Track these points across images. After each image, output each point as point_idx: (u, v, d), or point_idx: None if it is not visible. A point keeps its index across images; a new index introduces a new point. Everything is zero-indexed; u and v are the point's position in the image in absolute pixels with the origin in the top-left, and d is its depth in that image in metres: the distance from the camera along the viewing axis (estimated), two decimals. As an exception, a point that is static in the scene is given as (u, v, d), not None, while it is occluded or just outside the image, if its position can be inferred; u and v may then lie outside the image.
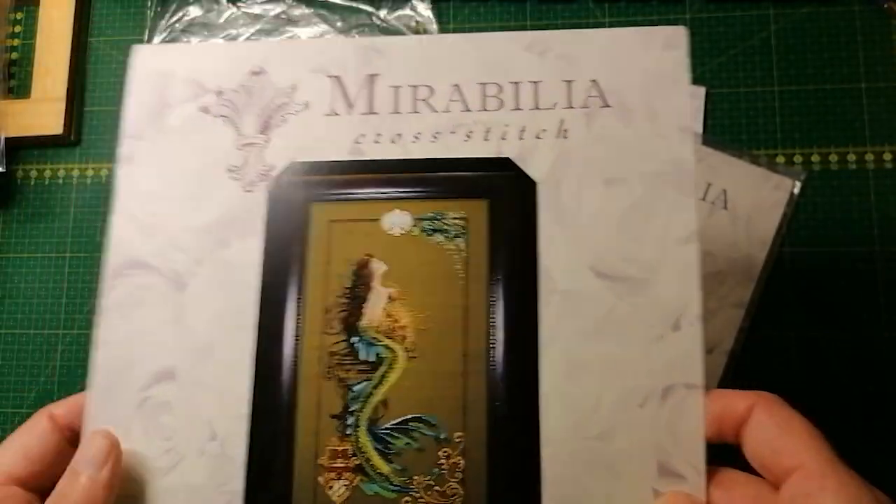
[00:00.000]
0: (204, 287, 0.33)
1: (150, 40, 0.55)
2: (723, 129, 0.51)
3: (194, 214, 0.34)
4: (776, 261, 0.49)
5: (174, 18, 0.55)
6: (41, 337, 0.54)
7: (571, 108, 0.34)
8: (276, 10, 0.54)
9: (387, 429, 0.31)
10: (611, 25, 0.53)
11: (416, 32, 0.52)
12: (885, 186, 0.51)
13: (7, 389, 0.53)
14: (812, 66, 0.52)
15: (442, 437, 0.31)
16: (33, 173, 0.56)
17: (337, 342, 0.32)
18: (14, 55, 0.58)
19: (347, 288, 0.33)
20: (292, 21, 0.53)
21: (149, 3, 0.57)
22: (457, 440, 0.31)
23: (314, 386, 0.32)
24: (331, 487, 0.31)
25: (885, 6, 0.52)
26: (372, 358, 0.32)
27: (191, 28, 0.55)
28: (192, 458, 0.32)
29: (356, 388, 0.32)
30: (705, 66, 0.53)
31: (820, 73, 0.52)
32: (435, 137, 0.35)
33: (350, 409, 0.32)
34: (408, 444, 0.31)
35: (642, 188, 0.33)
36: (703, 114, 0.50)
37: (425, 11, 0.53)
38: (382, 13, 0.52)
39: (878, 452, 0.47)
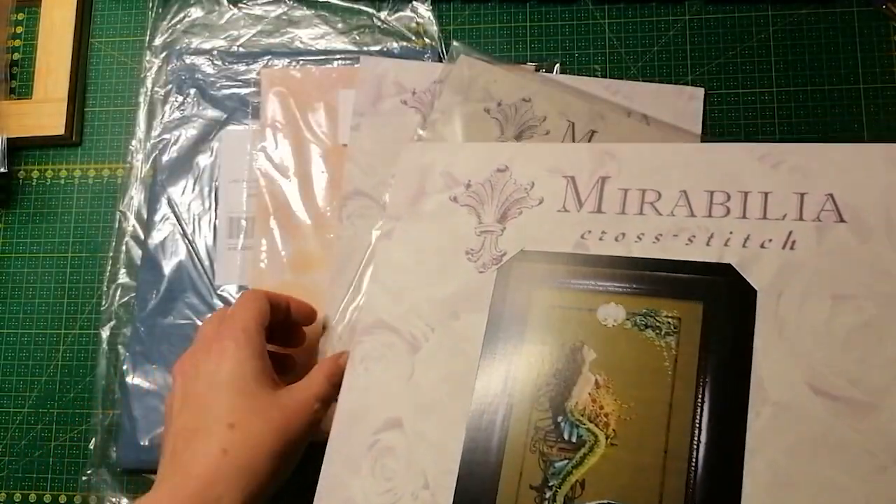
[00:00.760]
0: (434, 351, 0.38)
1: (151, 41, 0.55)
2: (721, 130, 0.49)
3: (434, 288, 0.40)
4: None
5: (175, 20, 0.56)
6: (42, 336, 0.53)
7: (802, 220, 0.34)
8: (277, 11, 0.55)
9: (581, 509, 0.33)
10: (610, 27, 0.52)
11: (417, 34, 0.53)
12: None
13: (8, 389, 0.53)
14: (810, 67, 0.51)
15: (634, 528, 0.32)
16: (35, 174, 0.56)
17: (543, 419, 0.35)
18: (16, 56, 0.58)
19: (558, 370, 0.36)
20: (293, 22, 0.54)
21: (150, 5, 0.56)
22: (649, 534, 0.32)
23: (519, 455, 0.35)
24: (522, 555, 0.33)
25: (884, 7, 0.50)
26: (574, 438, 0.34)
27: (192, 29, 0.55)
28: (406, 501, 0.36)
29: (557, 464, 0.34)
30: (704, 67, 0.51)
31: (818, 74, 0.50)
32: (657, 239, 0.37)
33: (549, 484, 0.34)
34: (600, 528, 0.32)
35: (876, 308, 0.32)
36: (701, 114, 0.49)
37: (426, 13, 0.53)
38: (383, 14, 0.53)
39: None
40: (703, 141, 0.47)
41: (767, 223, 0.35)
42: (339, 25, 0.54)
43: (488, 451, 0.35)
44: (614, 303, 0.36)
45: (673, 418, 0.33)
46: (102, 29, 0.57)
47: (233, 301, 0.50)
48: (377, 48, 0.53)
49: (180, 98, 0.54)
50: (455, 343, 0.38)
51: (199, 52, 0.55)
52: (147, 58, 0.55)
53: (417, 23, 0.53)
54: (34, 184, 0.56)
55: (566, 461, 0.34)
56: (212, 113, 0.53)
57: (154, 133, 0.53)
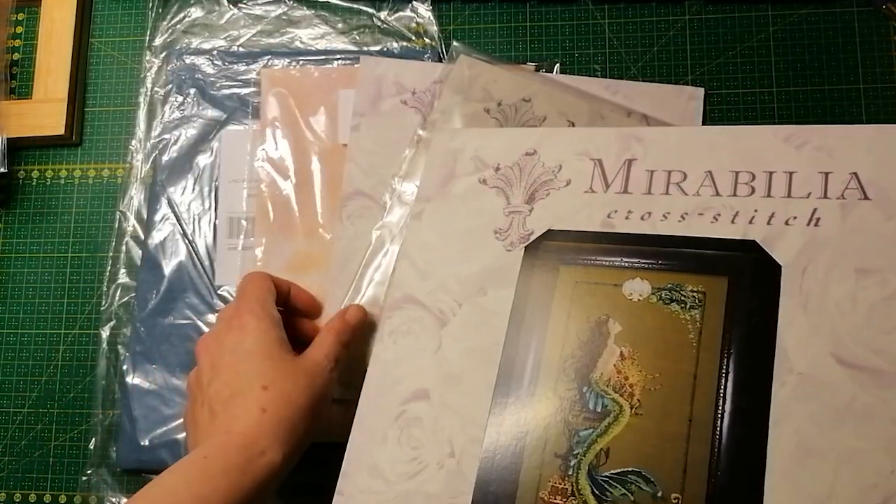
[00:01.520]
0: (461, 325, 0.39)
1: (151, 41, 0.56)
2: None
3: (463, 266, 0.40)
4: None
5: (175, 20, 0.56)
6: (42, 336, 0.54)
7: (826, 198, 0.35)
8: (277, 11, 0.55)
9: (606, 476, 0.33)
10: (610, 27, 0.52)
11: (417, 34, 0.53)
12: None
13: (9, 389, 0.53)
14: (810, 67, 0.51)
15: (659, 494, 0.32)
16: (35, 174, 0.56)
17: (569, 389, 0.35)
18: (16, 56, 0.58)
19: (584, 342, 0.36)
20: (293, 22, 0.54)
21: (150, 5, 0.56)
22: (673, 500, 0.32)
23: (544, 424, 0.35)
24: (547, 520, 0.33)
25: (884, 8, 0.50)
26: (599, 408, 0.35)
27: (192, 29, 0.55)
28: (432, 469, 0.36)
29: (581, 433, 0.34)
30: (704, 67, 0.51)
31: (818, 75, 0.51)
32: (683, 217, 0.37)
33: (574, 452, 0.34)
34: (624, 494, 0.33)
35: None
36: (702, 114, 0.49)
37: (426, 13, 0.53)
38: (383, 14, 0.53)
39: None
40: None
41: (792, 201, 0.36)
42: (339, 25, 0.54)
43: (513, 421, 0.36)
44: (640, 278, 0.37)
45: (697, 388, 0.34)
46: (102, 29, 0.58)
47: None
48: (377, 48, 0.53)
49: (180, 98, 0.54)
50: (482, 317, 0.39)
51: (199, 52, 0.55)
52: (147, 58, 0.56)
53: (417, 23, 0.54)
54: (34, 184, 0.56)
55: (591, 430, 0.34)
56: (212, 113, 0.53)
57: (154, 133, 0.54)
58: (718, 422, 0.33)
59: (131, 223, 0.53)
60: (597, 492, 0.33)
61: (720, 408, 0.33)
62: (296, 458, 0.39)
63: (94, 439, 0.51)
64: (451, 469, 0.36)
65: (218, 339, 0.41)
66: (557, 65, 0.52)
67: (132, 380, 0.50)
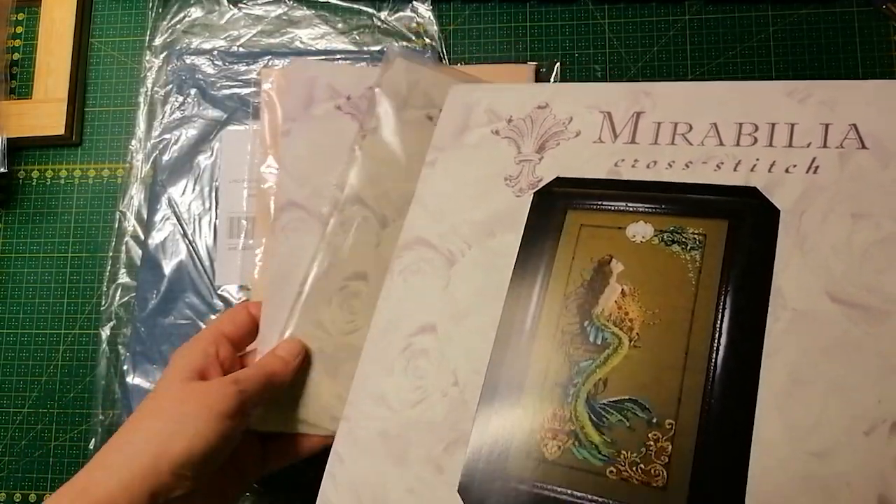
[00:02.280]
0: (469, 264, 0.40)
1: (151, 41, 0.56)
2: None
3: (474, 211, 0.42)
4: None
5: (175, 20, 0.56)
6: (42, 336, 0.54)
7: (826, 147, 0.36)
8: (277, 11, 0.54)
9: (603, 404, 0.35)
10: (610, 27, 0.52)
11: (417, 34, 0.53)
12: None
13: (9, 389, 0.53)
14: (810, 67, 0.51)
15: (654, 420, 0.33)
16: (35, 174, 0.56)
17: (571, 324, 0.37)
18: (16, 56, 0.58)
19: (587, 280, 0.38)
20: (293, 22, 0.54)
21: (150, 5, 0.56)
22: (667, 426, 0.33)
23: (545, 356, 0.36)
24: (545, 444, 0.35)
25: (884, 7, 0.50)
26: (599, 341, 0.36)
27: (192, 29, 0.55)
28: (436, 398, 0.37)
29: (582, 364, 0.36)
30: (704, 67, 0.51)
31: (818, 74, 0.51)
32: (687, 166, 0.39)
33: (573, 381, 0.36)
34: (620, 421, 0.34)
35: (894, 226, 0.33)
36: None
37: (426, 13, 0.53)
38: (383, 14, 0.52)
39: None
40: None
41: (793, 150, 0.37)
42: (340, 25, 0.54)
43: (516, 352, 0.37)
44: (643, 221, 0.38)
45: (695, 323, 0.35)
46: (102, 29, 0.58)
47: (234, 301, 0.51)
48: (377, 48, 0.53)
49: (181, 98, 0.54)
50: (489, 258, 0.40)
51: (199, 52, 0.55)
52: (147, 58, 0.56)
53: (417, 23, 0.53)
54: (34, 184, 0.56)
55: (591, 361, 0.36)
56: (212, 113, 0.53)
57: (154, 133, 0.54)
58: (714, 354, 0.34)
59: (131, 223, 0.53)
60: (594, 418, 0.35)
61: (716, 341, 0.34)
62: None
63: (93, 439, 0.51)
64: (454, 397, 0.37)
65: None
66: (557, 64, 0.53)
67: (132, 380, 0.50)
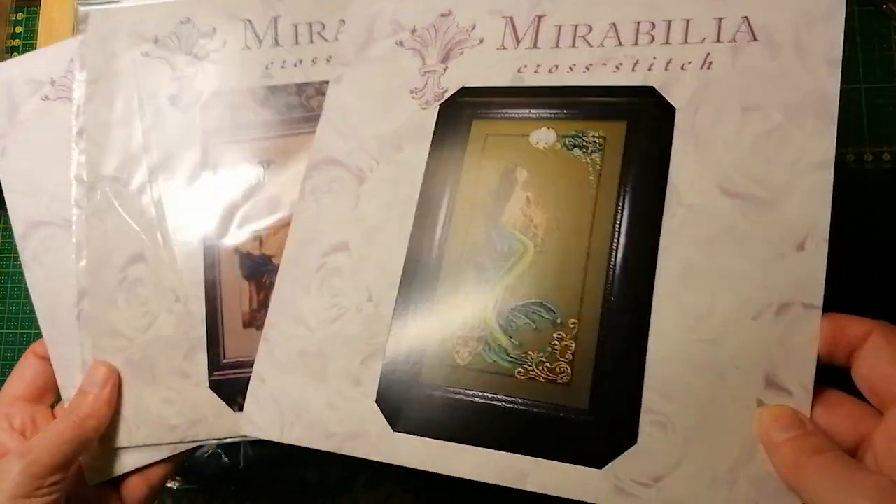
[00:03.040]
0: (378, 181, 0.40)
1: None
2: None
3: (380, 125, 0.41)
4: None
5: None
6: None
7: (719, 42, 0.37)
8: None
9: (511, 309, 0.36)
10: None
11: None
12: (884, 186, 0.49)
13: None
14: None
15: (558, 321, 0.35)
16: None
17: (478, 233, 0.37)
18: (15, 55, 0.58)
19: (493, 190, 0.38)
20: None
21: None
22: (571, 325, 0.35)
23: (455, 267, 0.37)
24: (457, 351, 0.36)
25: (884, 7, 0.50)
26: (506, 248, 0.37)
27: None
28: (352, 314, 0.38)
29: (489, 271, 0.37)
30: None
31: None
32: (588, 68, 0.39)
33: (482, 289, 0.36)
34: (527, 323, 0.35)
35: (782, 116, 0.34)
36: None
37: None
38: None
39: None
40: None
41: (688, 47, 0.37)
42: None
43: (427, 265, 0.38)
44: (546, 127, 0.38)
45: (595, 225, 0.36)
46: None
47: None
48: None
49: None
50: (397, 172, 0.40)
51: None
52: None
53: None
54: None
55: (498, 268, 0.37)
56: None
57: None
58: (613, 254, 0.35)
59: None
60: (502, 323, 0.36)
61: (615, 241, 0.35)
62: None
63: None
64: (370, 313, 0.38)
65: None
66: None
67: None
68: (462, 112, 0.40)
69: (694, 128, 0.35)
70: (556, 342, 0.35)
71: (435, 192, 0.39)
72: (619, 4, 0.39)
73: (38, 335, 0.50)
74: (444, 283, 0.37)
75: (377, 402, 0.36)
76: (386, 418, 0.36)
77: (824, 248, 0.32)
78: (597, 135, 0.37)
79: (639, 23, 0.38)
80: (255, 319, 0.42)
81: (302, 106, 0.44)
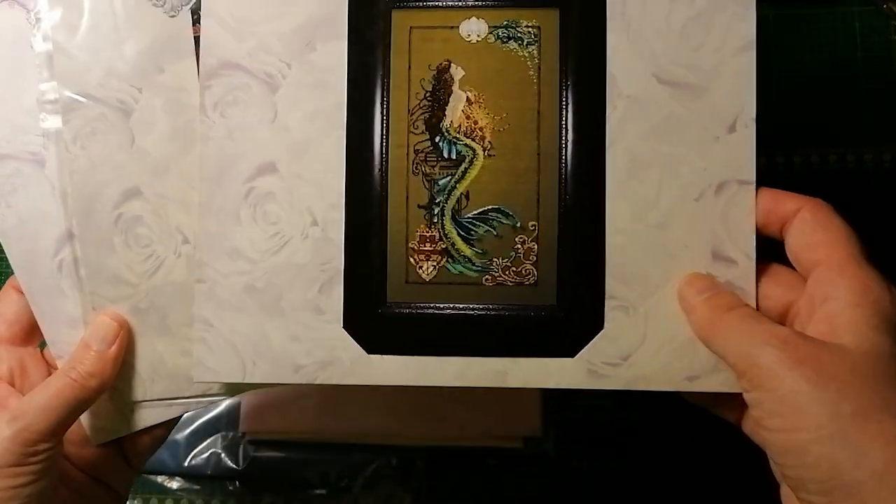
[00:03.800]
0: (295, 88, 0.36)
1: None
2: None
3: (281, 19, 0.36)
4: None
5: None
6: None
7: None
8: None
9: (469, 218, 0.36)
10: None
11: None
12: (884, 186, 0.51)
13: None
14: (811, 66, 0.51)
15: (518, 225, 0.35)
16: None
17: (421, 141, 0.36)
18: None
19: (429, 91, 0.36)
20: None
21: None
22: (531, 228, 0.35)
23: (402, 180, 0.36)
24: (420, 267, 0.36)
25: (884, 7, 0.51)
26: (454, 155, 0.36)
27: None
28: (297, 241, 0.36)
29: (441, 182, 0.36)
30: None
31: (818, 75, 0.51)
32: (509, -54, 0.36)
33: (436, 201, 0.36)
34: (487, 231, 0.36)
35: (704, 2, 0.35)
36: None
37: None
38: None
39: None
40: None
41: (613, -77, 0.36)
42: None
43: (371, 179, 0.36)
44: (475, 17, 0.36)
45: (542, 123, 0.36)
46: None
47: None
48: None
49: None
50: (316, 76, 0.36)
51: None
52: None
53: None
54: None
55: (449, 177, 0.36)
56: None
57: None
58: (563, 151, 0.35)
59: None
60: (462, 233, 0.36)
61: (563, 138, 0.35)
62: None
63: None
64: (317, 237, 0.36)
65: None
66: None
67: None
68: (380, 0, 0.36)
69: (625, 15, 0.35)
70: (519, 246, 0.36)
71: (364, 96, 0.36)
72: None
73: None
74: (394, 198, 0.36)
75: (345, 327, 0.36)
76: (358, 342, 0.35)
77: (753, 128, 0.35)
78: (530, 24, 0.36)
79: None
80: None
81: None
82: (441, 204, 0.36)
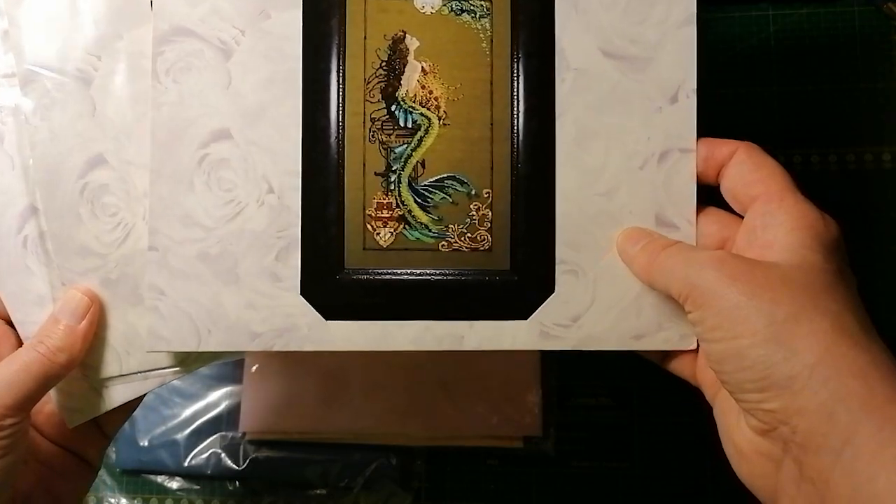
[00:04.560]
0: (249, 54, 0.36)
1: None
2: (721, 131, 0.51)
3: (233, -14, 0.36)
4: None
5: None
6: None
7: None
8: None
9: (425, 185, 0.36)
10: None
11: None
12: (884, 187, 0.51)
13: None
14: (811, 66, 0.51)
15: (473, 193, 0.36)
16: None
17: (378, 109, 0.36)
18: None
19: (384, 61, 0.36)
20: None
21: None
22: (485, 196, 0.36)
23: (359, 148, 0.36)
24: (378, 234, 0.36)
25: (884, 7, 0.51)
26: (409, 124, 0.36)
27: None
28: (252, 208, 0.36)
29: (397, 150, 0.36)
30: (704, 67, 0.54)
31: (819, 74, 0.51)
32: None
33: (392, 168, 0.36)
34: (443, 198, 0.36)
35: None
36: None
37: None
38: None
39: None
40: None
41: None
42: None
43: (328, 147, 0.36)
44: (429, -11, 0.37)
45: (495, 94, 0.37)
46: None
47: None
48: None
49: None
50: (271, 44, 0.36)
51: None
52: None
53: None
54: None
55: (405, 146, 0.36)
56: None
57: None
58: (515, 121, 0.37)
59: None
60: (419, 200, 0.36)
61: (515, 109, 0.37)
62: None
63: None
64: (273, 204, 0.36)
65: None
66: None
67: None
68: (333, -30, 0.36)
69: (574, -11, 0.37)
70: (474, 213, 0.37)
71: (320, 65, 0.36)
72: None
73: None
74: (350, 166, 0.36)
75: (303, 294, 0.36)
76: (316, 309, 0.36)
77: (694, 98, 0.37)
78: (483, -3, 0.37)
79: None
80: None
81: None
82: (398, 171, 0.36)
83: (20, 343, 0.37)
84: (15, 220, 0.36)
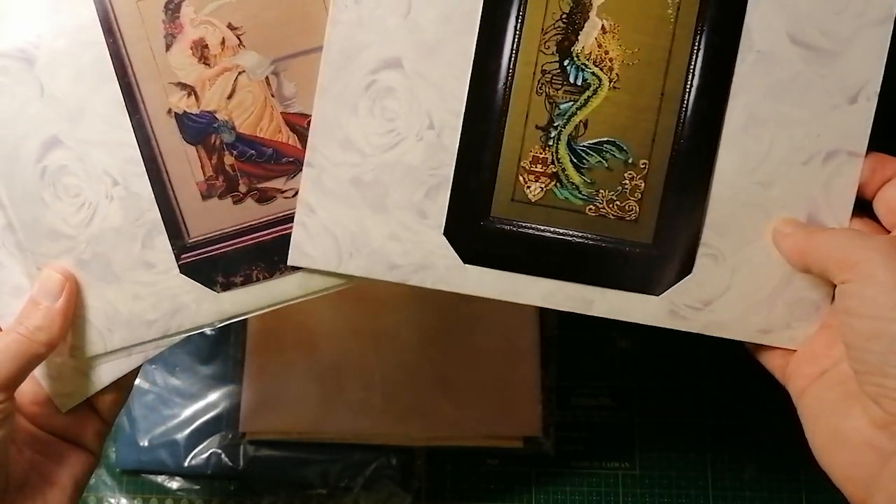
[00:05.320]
0: (433, -14, 0.35)
1: None
2: None
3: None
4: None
5: None
6: None
7: None
8: None
9: (584, 146, 0.36)
10: None
11: None
12: None
13: None
14: None
15: (629, 161, 0.36)
16: None
17: (550, 62, 0.36)
18: None
19: (565, 13, 0.35)
20: None
21: None
22: (641, 166, 0.36)
23: (524, 98, 0.36)
24: (528, 187, 0.36)
25: None
26: (580, 81, 0.36)
27: None
28: (411, 141, 0.36)
29: (562, 106, 0.36)
30: None
31: None
32: None
33: (554, 124, 0.36)
34: (599, 162, 0.36)
35: None
36: None
37: None
38: None
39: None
40: None
41: None
42: None
43: (494, 92, 0.36)
44: (625, -56, 0.35)
45: (671, 64, 0.36)
46: None
47: None
48: None
49: None
50: (455, -22, 0.35)
51: None
52: None
53: None
54: None
55: (571, 103, 0.36)
56: None
57: None
58: (686, 95, 0.36)
59: None
60: (575, 160, 0.36)
61: (689, 83, 0.36)
62: None
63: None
64: (431, 141, 0.36)
65: None
66: None
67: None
68: None
69: (775, -33, 0.35)
70: (627, 181, 0.36)
71: (500, 9, 0.35)
72: None
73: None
74: (514, 115, 0.36)
75: (445, 234, 0.36)
76: (456, 251, 0.36)
77: (874, 102, 0.35)
78: (678, -39, 0.35)
79: None
80: (213, 189, 0.37)
81: None
82: (559, 128, 0.36)
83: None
84: None
